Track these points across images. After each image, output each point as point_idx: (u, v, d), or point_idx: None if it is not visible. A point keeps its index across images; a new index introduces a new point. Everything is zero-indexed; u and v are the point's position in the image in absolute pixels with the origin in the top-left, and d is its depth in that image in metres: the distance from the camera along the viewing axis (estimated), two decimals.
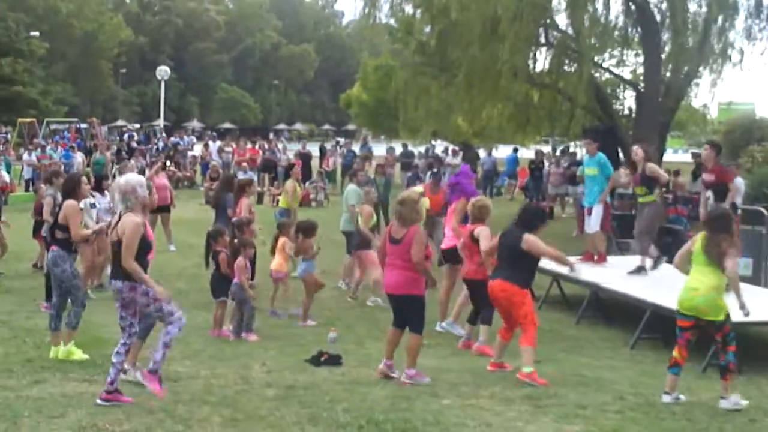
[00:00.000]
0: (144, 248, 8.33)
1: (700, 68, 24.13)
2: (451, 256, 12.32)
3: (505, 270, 9.89)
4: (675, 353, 8.77)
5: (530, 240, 9.74)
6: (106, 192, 15.26)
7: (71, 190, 10.59)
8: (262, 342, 11.55)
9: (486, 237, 10.97)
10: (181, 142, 40.51)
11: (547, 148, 38.19)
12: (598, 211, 15.45)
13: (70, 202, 10.36)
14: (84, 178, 11.62)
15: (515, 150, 38.10)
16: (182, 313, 8.45)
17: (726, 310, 8.59)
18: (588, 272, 14.23)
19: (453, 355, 11.11)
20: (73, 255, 10.46)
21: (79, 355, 9.96)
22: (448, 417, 8.00)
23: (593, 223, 15.53)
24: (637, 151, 14.52)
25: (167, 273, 15.01)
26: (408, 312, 9.51)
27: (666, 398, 8.64)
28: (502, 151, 40.86)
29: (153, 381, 8.26)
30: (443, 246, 12.78)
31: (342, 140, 47.24)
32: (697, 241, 8.78)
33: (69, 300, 10.18)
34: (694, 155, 34.26)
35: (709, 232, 8.71)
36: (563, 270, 11.77)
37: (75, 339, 10.14)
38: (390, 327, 9.80)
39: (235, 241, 12.51)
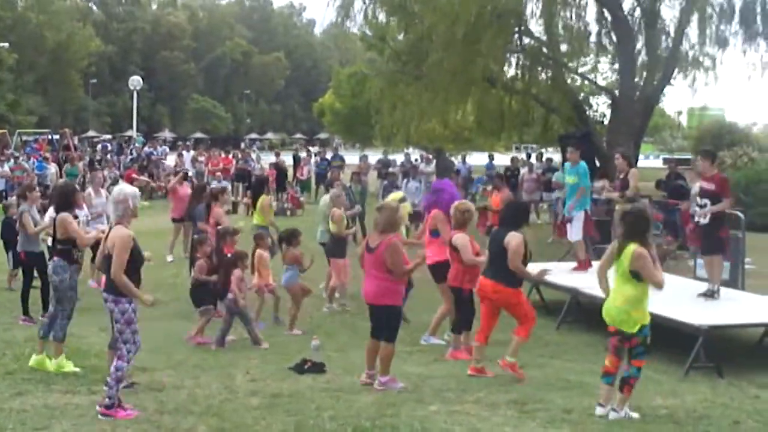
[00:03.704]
0: (137, 262, 8.31)
1: (674, 75, 24.33)
2: (439, 272, 12.00)
3: (496, 270, 9.86)
4: (606, 362, 8.50)
5: (513, 243, 9.69)
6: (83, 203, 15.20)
7: (67, 201, 10.48)
8: (244, 351, 11.51)
9: (465, 246, 10.95)
10: (155, 153, 40.31)
11: (521, 155, 38.20)
12: (578, 219, 15.49)
13: (64, 215, 10.27)
14: (77, 188, 11.57)
15: (491, 157, 38.16)
16: (137, 347, 8.35)
17: (640, 324, 8.27)
18: (567, 278, 14.32)
19: (436, 361, 11.09)
20: (75, 266, 10.33)
21: (70, 367, 9.87)
22: (435, 423, 8.00)
23: (574, 233, 15.57)
24: (618, 159, 14.63)
25: (145, 283, 14.87)
26: (383, 321, 9.49)
27: (599, 410, 8.37)
28: (477, 159, 40.88)
29: (117, 412, 8.10)
30: (429, 262, 12.12)
31: (317, 149, 47.13)
32: (614, 250, 8.50)
33: (56, 311, 10.11)
34: (667, 161, 34.52)
35: (621, 237, 8.44)
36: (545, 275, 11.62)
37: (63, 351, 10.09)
38: (370, 338, 9.73)
39: (230, 256, 12.42)
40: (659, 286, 8.23)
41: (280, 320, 13.38)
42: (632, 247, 8.20)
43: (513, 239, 9.71)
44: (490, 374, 9.95)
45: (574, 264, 15.55)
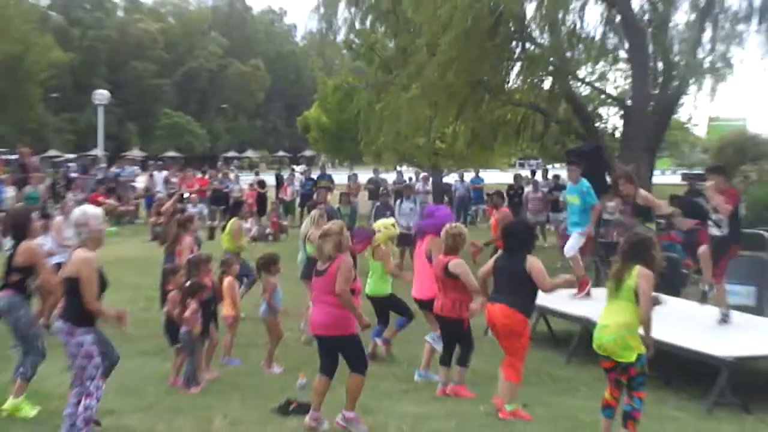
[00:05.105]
0: (100, 288, 8.26)
1: (690, 82, 24.34)
2: (428, 306, 12.07)
3: (508, 295, 9.95)
4: (606, 394, 8.70)
5: (536, 266, 9.87)
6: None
7: (23, 228, 10.37)
8: (223, 391, 11.44)
9: (466, 273, 10.97)
10: (123, 173, 40.25)
11: (525, 172, 38.29)
12: (579, 237, 15.51)
13: (31, 244, 10.21)
14: (34, 214, 11.47)
15: (477, 173, 38.30)
16: (102, 382, 8.28)
17: (637, 352, 8.39)
18: (577, 306, 14.28)
19: (434, 400, 11.04)
20: (28, 299, 10.26)
21: (28, 411, 9.79)
22: None
23: (569, 247, 15.59)
24: (625, 185, 14.56)
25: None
26: (343, 353, 9.48)
27: None
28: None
29: None
30: (416, 295, 12.54)
31: (301, 167, 47.11)
32: (611, 272, 8.77)
33: (25, 350, 10.05)
34: (685, 176, 34.49)
35: (622, 261, 8.64)
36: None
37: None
38: (317, 374, 9.73)
39: (188, 283, 12.31)
40: (645, 318, 8.32)
41: (228, 360, 13.23)
42: (638, 268, 8.30)
43: (535, 263, 9.89)
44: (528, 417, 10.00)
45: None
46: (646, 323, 8.33)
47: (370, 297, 13.28)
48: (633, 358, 8.34)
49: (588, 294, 15.16)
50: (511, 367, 9.96)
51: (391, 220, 14.75)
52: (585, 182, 15.72)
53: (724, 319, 12.89)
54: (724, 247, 13.06)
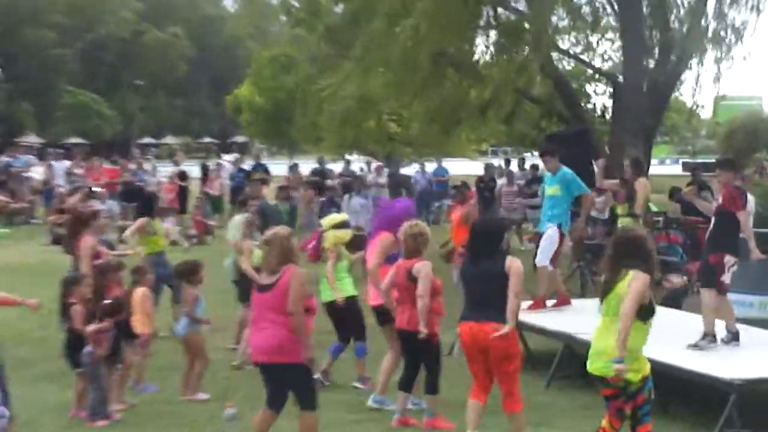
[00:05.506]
0: None
1: (694, 56, 24.42)
2: (385, 316, 12.08)
3: (491, 308, 9.77)
4: (604, 422, 8.73)
5: (515, 266, 9.77)
6: None
7: None
8: (135, 422, 11.41)
9: (427, 276, 10.91)
10: (16, 163, 39.92)
11: (498, 161, 38.38)
12: (551, 237, 15.50)
13: None
14: None
15: (440, 163, 38.37)
16: (4, 409, 8.18)
17: (642, 374, 8.45)
18: (558, 320, 14.29)
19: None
20: None
21: None
22: None
23: (541, 255, 15.54)
24: (630, 167, 14.72)
25: (4, 336, 14.75)
26: (290, 386, 9.44)
27: None
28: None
29: None
30: (372, 302, 12.44)
31: (231, 157, 46.91)
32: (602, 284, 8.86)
33: None
34: (687, 166, 34.70)
35: (611, 265, 8.69)
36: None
37: None
38: (263, 408, 9.67)
39: (107, 302, 12.20)
40: (625, 319, 8.28)
41: (143, 388, 13.19)
42: (632, 272, 8.32)
43: (515, 263, 9.79)
44: None
45: (553, 300, 15.53)
46: (623, 322, 8.26)
47: (325, 304, 13.18)
48: (638, 377, 8.37)
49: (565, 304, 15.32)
50: (510, 395, 9.92)
51: (342, 216, 14.73)
52: (566, 170, 15.53)
53: (725, 339, 12.78)
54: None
